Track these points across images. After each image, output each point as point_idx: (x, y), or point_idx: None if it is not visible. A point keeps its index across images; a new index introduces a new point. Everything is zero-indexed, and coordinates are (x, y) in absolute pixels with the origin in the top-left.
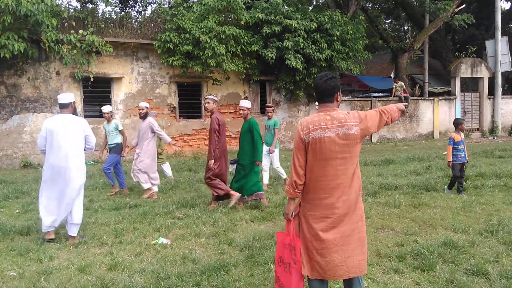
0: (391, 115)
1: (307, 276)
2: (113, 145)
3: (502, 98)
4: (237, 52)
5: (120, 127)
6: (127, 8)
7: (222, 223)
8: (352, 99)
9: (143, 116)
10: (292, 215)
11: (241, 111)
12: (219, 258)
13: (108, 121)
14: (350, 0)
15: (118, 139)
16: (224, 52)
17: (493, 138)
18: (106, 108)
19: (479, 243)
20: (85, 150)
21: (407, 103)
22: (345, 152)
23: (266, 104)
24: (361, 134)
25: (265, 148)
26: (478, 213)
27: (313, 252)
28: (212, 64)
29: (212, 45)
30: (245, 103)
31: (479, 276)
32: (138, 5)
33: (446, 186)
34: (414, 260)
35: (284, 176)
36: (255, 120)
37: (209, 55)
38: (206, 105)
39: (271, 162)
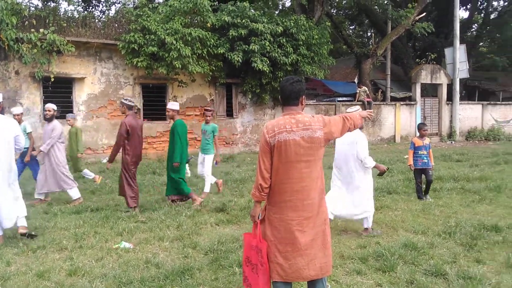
0: (354, 122)
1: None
2: (26, 149)
3: (459, 104)
4: (203, 55)
5: (29, 130)
6: (90, 7)
7: (186, 227)
8: (317, 103)
9: (49, 119)
10: (258, 217)
11: (167, 113)
12: (183, 262)
13: (19, 123)
14: (315, 6)
15: (28, 143)
16: (190, 54)
17: (451, 142)
18: (16, 110)
19: (438, 244)
20: (15, 150)
21: (370, 109)
22: (309, 155)
23: (205, 107)
24: (325, 138)
25: (200, 156)
26: (437, 215)
27: (277, 255)
28: (177, 66)
29: (178, 46)
30: (170, 105)
31: (438, 277)
32: (102, 4)
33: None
34: (376, 261)
35: (206, 190)
36: (182, 121)
37: (175, 56)
38: (120, 107)
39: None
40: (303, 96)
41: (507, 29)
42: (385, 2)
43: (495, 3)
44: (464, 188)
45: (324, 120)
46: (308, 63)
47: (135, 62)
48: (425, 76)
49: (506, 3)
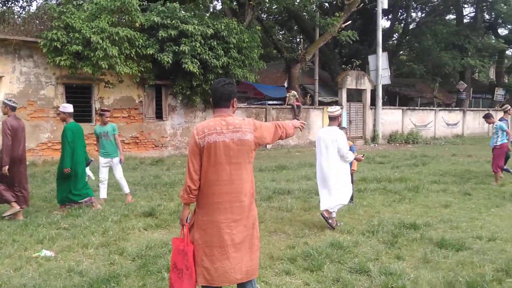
0: (286, 131)
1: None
2: None
3: (382, 108)
4: (132, 55)
5: None
6: (10, 2)
7: (113, 232)
8: (248, 106)
9: None
10: (187, 220)
11: (58, 115)
12: (109, 269)
13: None
14: (246, 10)
15: None
16: (117, 54)
17: (375, 145)
18: None
19: (362, 242)
20: None
21: (300, 113)
22: (239, 157)
23: (101, 108)
24: (256, 142)
25: (103, 160)
26: (361, 215)
27: (203, 258)
28: (104, 66)
29: (104, 46)
30: (62, 107)
31: (362, 274)
32: (22, 0)
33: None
34: (304, 261)
35: (126, 190)
36: (73, 125)
37: (101, 56)
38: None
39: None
40: (235, 99)
41: (424, 39)
42: (313, 9)
43: (413, 14)
44: (386, 188)
45: (255, 124)
46: (239, 67)
47: (57, 61)
48: (350, 81)
49: (423, 15)
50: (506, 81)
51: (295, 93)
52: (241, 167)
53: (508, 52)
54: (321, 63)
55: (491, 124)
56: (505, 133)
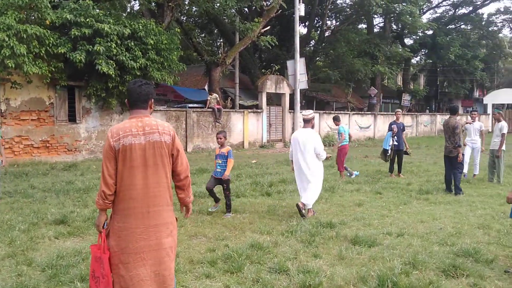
0: (186, 182)
1: None
2: None
3: (300, 112)
4: (41, 54)
5: None
6: None
7: (20, 242)
8: (167, 109)
9: None
10: (103, 227)
11: None
12: (16, 281)
13: None
14: (165, 11)
15: None
16: (25, 53)
17: None
18: None
19: (281, 243)
20: None
21: (221, 116)
22: (156, 160)
23: None
24: (172, 148)
25: None
26: (280, 216)
27: (120, 266)
28: (10, 65)
29: (11, 44)
30: None
31: (281, 273)
32: None
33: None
34: (225, 263)
35: None
36: None
37: (7, 55)
38: None
39: None
40: (152, 100)
41: (338, 46)
42: (233, 14)
43: (328, 22)
44: None
45: (175, 135)
46: (158, 69)
47: None
48: (270, 86)
49: (337, 23)
50: (412, 87)
51: (216, 96)
52: (158, 171)
53: (413, 61)
54: (241, 67)
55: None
56: (342, 135)
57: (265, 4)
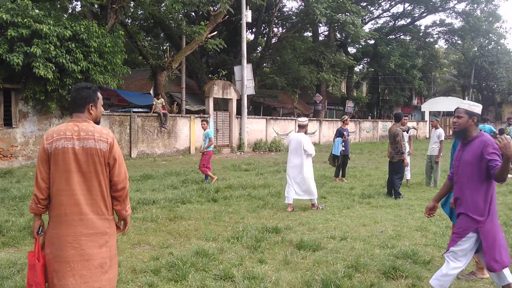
0: (123, 194)
1: None
2: None
3: (247, 118)
4: None
5: None
6: None
7: None
8: (110, 113)
9: None
10: (39, 232)
11: None
12: None
13: None
14: (109, 13)
15: None
16: None
17: (241, 153)
18: None
19: (227, 249)
20: None
21: (166, 121)
22: (89, 166)
23: None
24: (108, 156)
25: None
26: (227, 222)
27: (53, 275)
28: None
29: None
30: None
31: (226, 280)
32: None
33: None
34: (169, 272)
35: None
36: None
37: None
38: None
39: None
40: (91, 104)
41: (285, 53)
42: (180, 17)
43: (275, 29)
44: (250, 195)
45: (114, 142)
46: (101, 72)
47: None
48: (217, 91)
49: (284, 30)
50: (355, 94)
51: (163, 100)
52: (90, 178)
53: (356, 69)
54: (188, 71)
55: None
56: (211, 140)
57: (212, 9)
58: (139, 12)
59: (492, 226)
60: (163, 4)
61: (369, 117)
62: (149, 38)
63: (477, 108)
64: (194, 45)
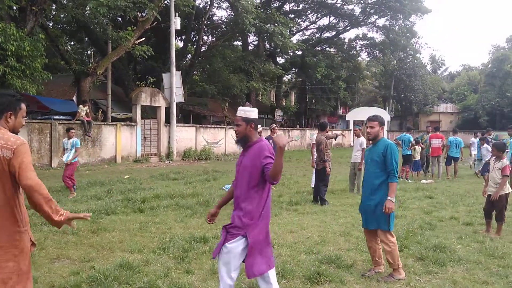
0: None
1: None
2: None
3: (176, 126)
4: None
5: None
6: None
7: None
8: (29, 121)
9: None
10: None
11: None
12: None
13: None
14: (28, 16)
15: None
16: None
17: (169, 162)
18: None
19: (153, 260)
20: None
21: (90, 129)
22: None
23: None
24: (11, 162)
25: None
26: (153, 232)
27: None
28: None
29: None
30: None
31: None
32: None
33: None
34: (90, 287)
35: None
36: None
37: None
38: None
39: None
40: (10, 112)
41: (215, 62)
42: (105, 22)
43: (205, 38)
44: (178, 204)
45: (19, 149)
46: (19, 77)
47: None
48: (145, 98)
49: (214, 39)
50: (284, 103)
51: (87, 108)
52: None
53: (285, 78)
54: (114, 78)
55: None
56: (78, 150)
57: (139, 15)
58: (62, 16)
59: (260, 232)
60: (88, 7)
61: (297, 126)
62: (72, 42)
63: (253, 113)
64: (121, 51)
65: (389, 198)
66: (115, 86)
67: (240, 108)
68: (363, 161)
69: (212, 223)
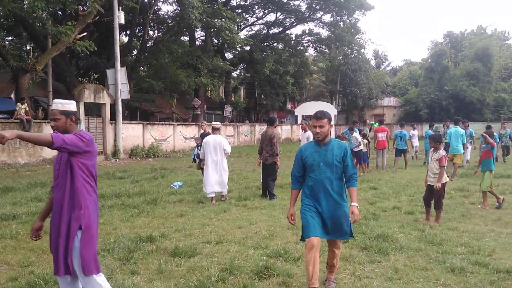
0: None
1: None
2: None
3: (123, 123)
4: None
5: None
6: None
7: None
8: None
9: None
10: None
11: None
12: None
13: None
14: None
15: None
16: None
17: (116, 160)
18: None
19: None
20: None
21: (30, 128)
22: None
23: None
24: None
25: None
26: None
27: None
28: None
29: None
30: None
31: None
32: None
33: None
34: None
35: None
36: None
37: None
38: None
39: None
40: None
41: (161, 57)
42: (44, 16)
43: (151, 32)
44: (124, 203)
45: None
46: None
47: None
48: (88, 95)
49: (160, 34)
50: (233, 99)
51: (26, 105)
52: None
53: (233, 74)
54: (55, 74)
55: None
56: None
57: (81, 8)
58: None
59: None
60: (26, 1)
61: (246, 121)
62: (10, 37)
63: (72, 105)
64: (61, 46)
65: (354, 204)
66: (56, 82)
67: (56, 100)
68: None
69: (38, 239)
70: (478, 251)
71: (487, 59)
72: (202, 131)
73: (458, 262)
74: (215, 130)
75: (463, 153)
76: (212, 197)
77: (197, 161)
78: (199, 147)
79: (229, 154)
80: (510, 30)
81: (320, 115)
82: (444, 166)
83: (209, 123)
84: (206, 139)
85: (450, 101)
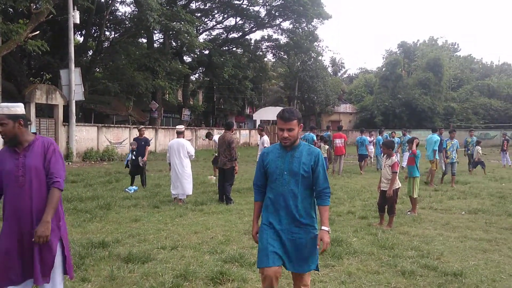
0: None
1: None
2: None
3: (76, 125)
4: None
5: None
6: None
7: None
8: None
9: None
10: None
11: None
12: None
13: None
14: None
15: None
16: None
17: (68, 163)
18: None
19: None
20: None
21: None
22: None
23: None
24: None
25: None
26: None
27: None
28: None
29: None
30: None
31: None
32: None
33: None
34: None
35: None
36: None
37: None
38: None
39: None
40: None
41: (118, 58)
42: None
43: (107, 33)
44: (76, 208)
45: None
46: None
47: None
48: (40, 96)
49: (117, 35)
50: (192, 103)
51: None
52: None
53: (192, 77)
54: (5, 73)
55: None
56: None
57: (33, 6)
58: None
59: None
60: None
61: (203, 125)
62: None
63: (19, 108)
64: (12, 45)
65: (325, 228)
66: (6, 82)
67: (2, 104)
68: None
69: None
70: (427, 254)
71: (438, 69)
72: (138, 135)
73: (408, 266)
74: (179, 134)
75: (438, 158)
76: (177, 198)
77: (130, 166)
78: (134, 152)
79: (193, 157)
80: (460, 42)
81: (289, 116)
82: (396, 172)
83: (143, 127)
84: (170, 143)
85: (403, 108)
